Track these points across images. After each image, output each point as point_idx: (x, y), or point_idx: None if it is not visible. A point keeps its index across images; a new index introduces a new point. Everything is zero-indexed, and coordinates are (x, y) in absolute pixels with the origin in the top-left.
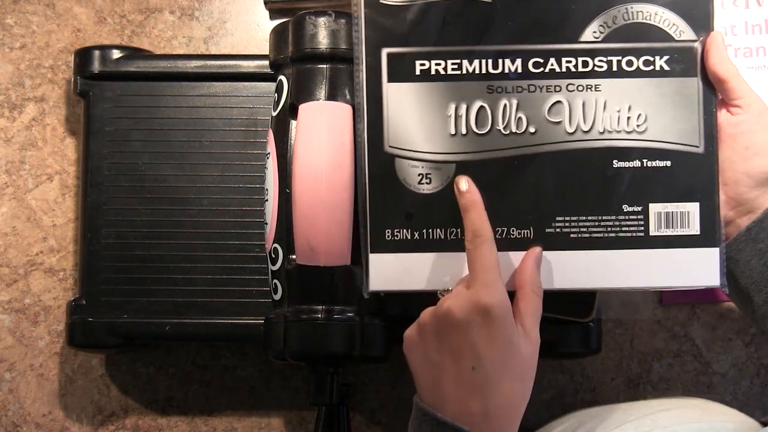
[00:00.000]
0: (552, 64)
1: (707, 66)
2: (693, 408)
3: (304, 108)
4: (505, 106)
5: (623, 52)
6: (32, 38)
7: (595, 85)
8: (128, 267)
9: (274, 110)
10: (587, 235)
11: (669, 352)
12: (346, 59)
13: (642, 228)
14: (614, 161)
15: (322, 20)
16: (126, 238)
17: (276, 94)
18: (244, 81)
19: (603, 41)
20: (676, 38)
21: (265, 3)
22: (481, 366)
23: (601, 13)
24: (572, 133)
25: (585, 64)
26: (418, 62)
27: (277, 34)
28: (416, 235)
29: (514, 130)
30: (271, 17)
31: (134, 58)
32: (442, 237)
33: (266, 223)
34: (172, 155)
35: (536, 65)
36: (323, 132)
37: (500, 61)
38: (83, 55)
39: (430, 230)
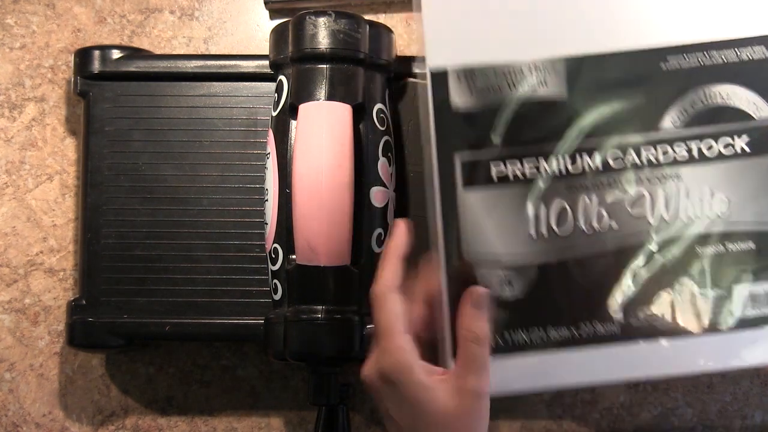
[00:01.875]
0: (632, 157)
1: None
2: None
3: (304, 108)
4: (585, 203)
5: (703, 137)
6: (32, 38)
7: (677, 174)
8: (128, 267)
9: (274, 110)
10: (671, 323)
11: None
12: (346, 59)
13: (728, 310)
14: (697, 247)
15: (322, 20)
16: (126, 238)
17: (276, 94)
18: (244, 81)
19: (682, 127)
20: (756, 117)
21: (265, 3)
22: (402, 429)
23: (678, 99)
24: (655, 225)
25: (665, 153)
26: (493, 166)
27: (277, 34)
28: (499, 340)
29: (595, 227)
30: (271, 17)
31: (134, 58)
32: (526, 341)
33: (266, 223)
34: (172, 155)
35: (615, 159)
36: (323, 132)
37: (578, 157)
38: (83, 55)
39: (513, 334)
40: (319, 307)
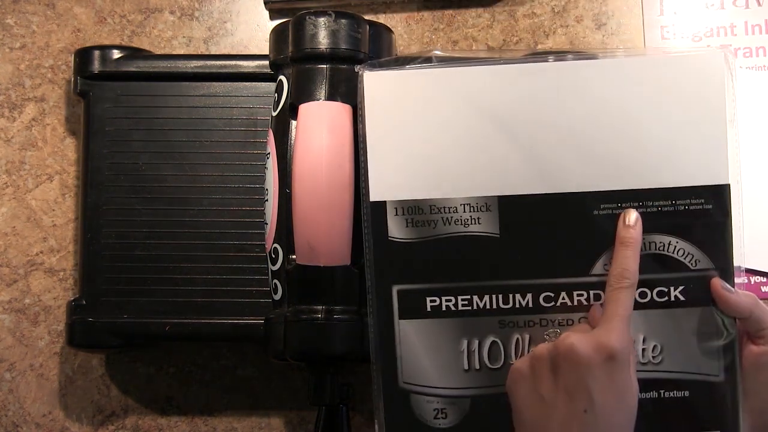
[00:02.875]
0: (563, 298)
1: (722, 308)
2: None
3: (304, 108)
4: (517, 340)
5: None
6: (32, 38)
7: None
8: (128, 267)
9: (274, 110)
10: None
11: None
12: (346, 59)
13: None
14: None
15: (322, 20)
16: (126, 238)
17: (276, 94)
18: (244, 81)
19: None
20: (692, 267)
21: (265, 3)
22: (593, 409)
23: (611, 246)
24: None
25: (597, 297)
26: (428, 299)
27: (277, 34)
28: None
29: None
30: (271, 17)
31: (134, 58)
32: None
33: (266, 223)
34: (172, 155)
35: (547, 299)
36: (323, 132)
37: (511, 296)
38: (83, 55)
39: None
40: (319, 307)
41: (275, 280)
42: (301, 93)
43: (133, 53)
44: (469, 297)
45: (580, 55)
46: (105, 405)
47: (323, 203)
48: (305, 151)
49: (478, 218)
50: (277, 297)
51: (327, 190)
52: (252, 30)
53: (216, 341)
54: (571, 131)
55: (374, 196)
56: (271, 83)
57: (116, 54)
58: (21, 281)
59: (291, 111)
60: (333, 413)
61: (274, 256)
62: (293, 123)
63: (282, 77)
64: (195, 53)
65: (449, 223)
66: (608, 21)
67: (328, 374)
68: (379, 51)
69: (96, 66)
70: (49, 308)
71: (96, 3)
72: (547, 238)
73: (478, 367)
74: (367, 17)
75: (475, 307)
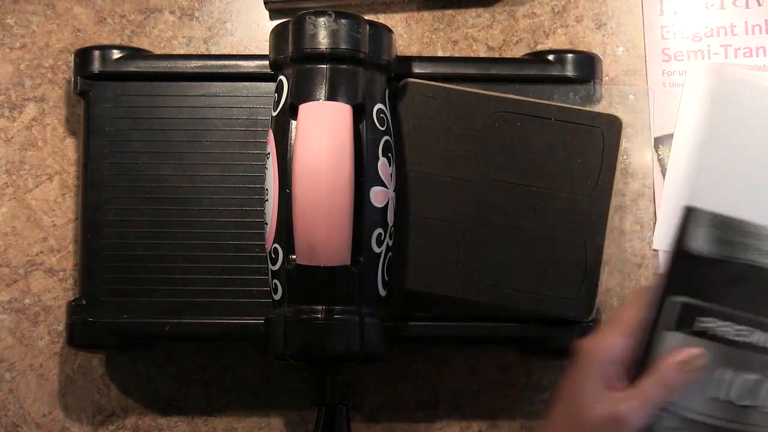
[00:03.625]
0: None
1: None
2: None
3: (304, 108)
4: None
5: None
6: (32, 38)
7: None
8: (128, 267)
9: (274, 110)
10: None
11: None
12: (346, 59)
13: None
14: None
15: (322, 20)
16: (126, 238)
17: (276, 94)
18: (244, 81)
19: None
20: None
21: (265, 3)
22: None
23: None
24: None
25: None
26: (701, 317)
27: (277, 34)
28: None
29: None
30: (271, 17)
31: (134, 58)
32: None
33: (266, 223)
34: (172, 155)
35: None
36: (323, 132)
37: None
38: (83, 55)
39: None
40: (319, 307)
41: (275, 280)
42: (301, 93)
43: (133, 53)
44: (749, 329)
45: None
46: (105, 405)
47: (323, 203)
48: (305, 151)
49: None
50: (277, 297)
51: (327, 190)
52: (252, 30)
53: (216, 341)
54: None
55: (689, 200)
56: (271, 83)
57: (116, 54)
58: (21, 281)
59: (291, 111)
60: (333, 413)
61: (274, 256)
62: (293, 123)
63: (282, 77)
64: (195, 53)
65: (759, 252)
66: (608, 21)
67: (328, 374)
68: (379, 51)
69: (96, 66)
70: (49, 308)
71: (96, 3)
72: None
73: (729, 399)
74: (367, 17)
75: (750, 341)
